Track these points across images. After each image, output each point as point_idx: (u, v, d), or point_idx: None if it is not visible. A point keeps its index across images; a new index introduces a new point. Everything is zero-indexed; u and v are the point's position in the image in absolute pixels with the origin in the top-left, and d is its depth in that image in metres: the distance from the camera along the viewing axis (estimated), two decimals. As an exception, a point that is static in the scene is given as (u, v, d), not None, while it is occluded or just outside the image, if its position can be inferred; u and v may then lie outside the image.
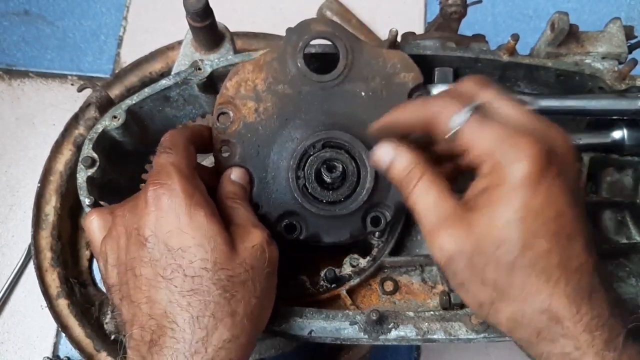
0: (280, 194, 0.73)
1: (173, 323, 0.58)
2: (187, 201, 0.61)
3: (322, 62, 0.78)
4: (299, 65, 0.75)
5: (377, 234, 0.83)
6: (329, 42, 0.76)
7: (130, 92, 1.25)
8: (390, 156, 0.63)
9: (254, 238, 0.64)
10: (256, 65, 0.75)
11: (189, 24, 0.85)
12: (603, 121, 0.91)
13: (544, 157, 0.53)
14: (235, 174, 0.73)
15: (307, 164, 0.72)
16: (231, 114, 0.74)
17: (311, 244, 0.75)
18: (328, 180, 0.72)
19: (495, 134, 0.56)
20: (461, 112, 0.57)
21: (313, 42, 0.76)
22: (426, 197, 0.60)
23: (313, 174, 0.72)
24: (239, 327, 0.60)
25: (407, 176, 0.61)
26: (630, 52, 0.93)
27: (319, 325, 0.73)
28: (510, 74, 0.91)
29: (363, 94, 0.75)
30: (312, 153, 0.72)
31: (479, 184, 0.57)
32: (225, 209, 0.69)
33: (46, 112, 1.42)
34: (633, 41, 0.95)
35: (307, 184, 0.72)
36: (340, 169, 0.72)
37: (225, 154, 0.74)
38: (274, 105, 0.74)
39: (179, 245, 0.60)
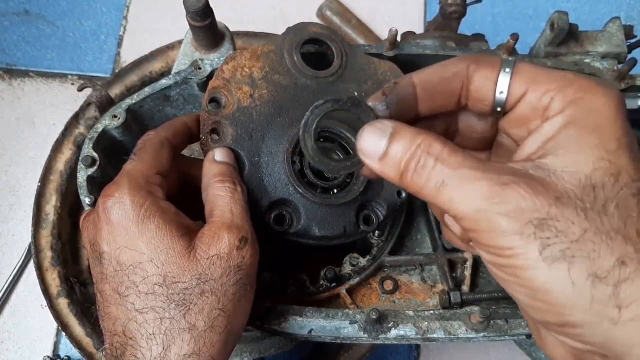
0: (274, 179, 0.72)
1: (132, 340, 0.57)
2: (136, 213, 0.59)
3: (317, 64, 0.79)
4: (295, 59, 0.76)
5: (376, 233, 0.83)
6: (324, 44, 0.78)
7: (130, 91, 1.25)
8: (385, 134, 0.47)
9: (219, 246, 0.60)
10: (254, 54, 0.76)
11: (189, 23, 0.85)
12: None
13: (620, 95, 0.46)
14: (219, 154, 0.70)
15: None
16: (224, 99, 0.74)
17: (301, 242, 0.74)
18: (327, 174, 0.73)
19: (561, 74, 0.47)
20: (500, 71, 0.48)
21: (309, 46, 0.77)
22: (459, 175, 0.44)
23: (309, 161, 0.72)
24: (200, 341, 0.57)
25: (415, 157, 0.46)
26: (629, 52, 0.93)
27: (319, 325, 0.73)
28: (510, 73, 0.91)
29: (356, 94, 0.76)
30: None
31: (554, 122, 0.45)
32: (210, 197, 0.66)
33: (46, 111, 1.42)
34: (633, 41, 0.95)
35: (303, 168, 0.72)
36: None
37: (215, 139, 0.73)
38: (270, 93, 0.75)
39: (130, 262, 0.59)
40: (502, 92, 0.48)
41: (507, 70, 0.48)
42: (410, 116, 0.51)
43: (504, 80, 0.48)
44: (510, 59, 0.49)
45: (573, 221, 0.42)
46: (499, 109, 0.50)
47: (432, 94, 0.51)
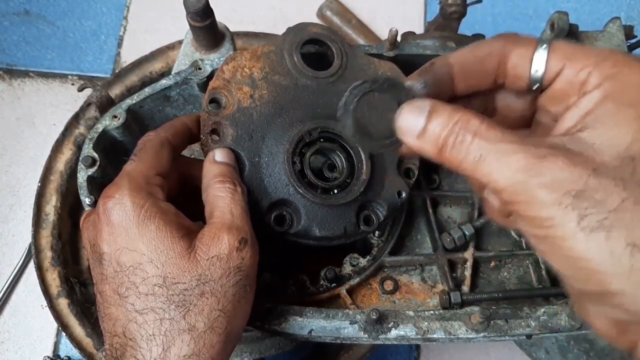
0: (274, 179, 0.72)
1: (132, 341, 0.57)
2: (137, 213, 0.59)
3: (317, 64, 0.79)
4: (295, 59, 0.76)
5: (376, 233, 0.83)
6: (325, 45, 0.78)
7: (130, 91, 1.25)
8: (423, 112, 0.48)
9: (219, 247, 0.60)
10: (254, 54, 0.76)
11: (189, 23, 0.85)
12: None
13: None
14: (219, 154, 0.70)
15: (304, 152, 0.72)
16: (224, 99, 0.74)
17: (301, 242, 0.74)
18: (327, 174, 0.73)
19: (596, 50, 0.48)
20: (537, 48, 0.49)
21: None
22: (497, 149, 0.44)
23: (309, 161, 0.72)
24: (200, 342, 0.57)
25: (453, 133, 0.46)
26: (629, 52, 0.93)
27: (319, 325, 0.73)
28: (510, 73, 0.91)
29: None
30: (307, 140, 0.72)
31: (592, 97, 0.46)
32: (210, 197, 0.66)
33: (46, 111, 1.42)
34: (633, 41, 0.95)
35: (303, 169, 0.72)
36: (339, 163, 0.73)
37: (215, 139, 0.73)
38: (270, 93, 0.75)
39: (130, 263, 0.59)
40: (538, 70, 0.49)
41: (544, 47, 0.49)
42: (446, 96, 0.52)
43: (540, 57, 0.49)
44: (543, 50, 0.50)
45: (611, 191, 0.42)
46: (536, 86, 0.50)
47: (468, 73, 0.52)
